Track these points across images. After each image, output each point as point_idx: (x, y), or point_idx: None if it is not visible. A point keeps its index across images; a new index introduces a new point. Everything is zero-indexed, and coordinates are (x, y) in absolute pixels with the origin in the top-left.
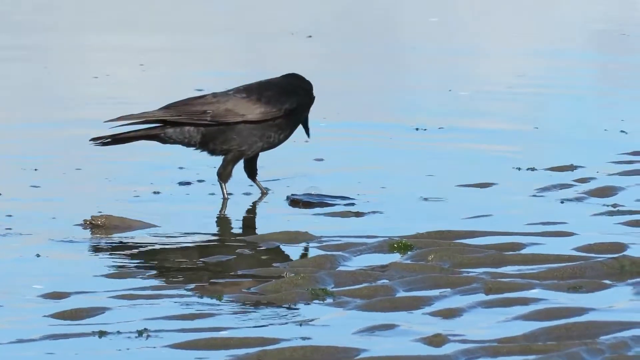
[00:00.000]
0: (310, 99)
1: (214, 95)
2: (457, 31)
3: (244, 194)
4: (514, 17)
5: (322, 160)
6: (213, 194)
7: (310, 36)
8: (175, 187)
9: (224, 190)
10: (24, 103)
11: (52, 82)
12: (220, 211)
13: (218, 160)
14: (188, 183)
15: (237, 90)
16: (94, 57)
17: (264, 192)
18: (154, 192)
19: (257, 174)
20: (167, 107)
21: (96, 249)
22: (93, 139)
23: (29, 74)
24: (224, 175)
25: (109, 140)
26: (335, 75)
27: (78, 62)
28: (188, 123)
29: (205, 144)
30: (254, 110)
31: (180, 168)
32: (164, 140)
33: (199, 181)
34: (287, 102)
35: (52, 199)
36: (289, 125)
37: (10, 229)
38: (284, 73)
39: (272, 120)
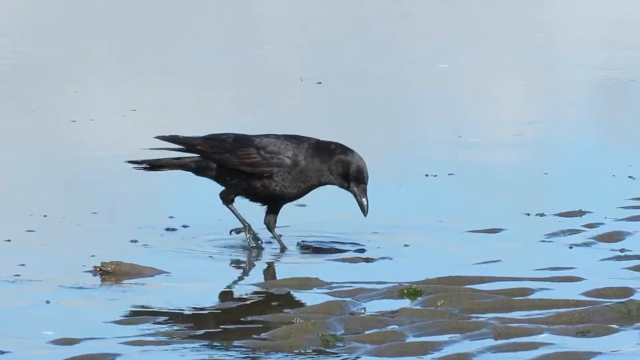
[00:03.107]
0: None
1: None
2: (467, 77)
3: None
4: (522, 62)
5: (305, 205)
6: (211, 239)
7: (320, 82)
8: (174, 234)
9: (237, 212)
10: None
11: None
12: (244, 229)
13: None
14: (174, 229)
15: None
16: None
17: (283, 247)
18: (139, 243)
19: (274, 226)
20: (206, 139)
21: (106, 296)
22: (130, 161)
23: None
24: (225, 199)
25: (146, 165)
26: (344, 120)
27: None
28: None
29: (218, 180)
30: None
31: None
32: (196, 171)
33: (184, 226)
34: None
35: (57, 245)
36: (290, 180)
37: (19, 275)
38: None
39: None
